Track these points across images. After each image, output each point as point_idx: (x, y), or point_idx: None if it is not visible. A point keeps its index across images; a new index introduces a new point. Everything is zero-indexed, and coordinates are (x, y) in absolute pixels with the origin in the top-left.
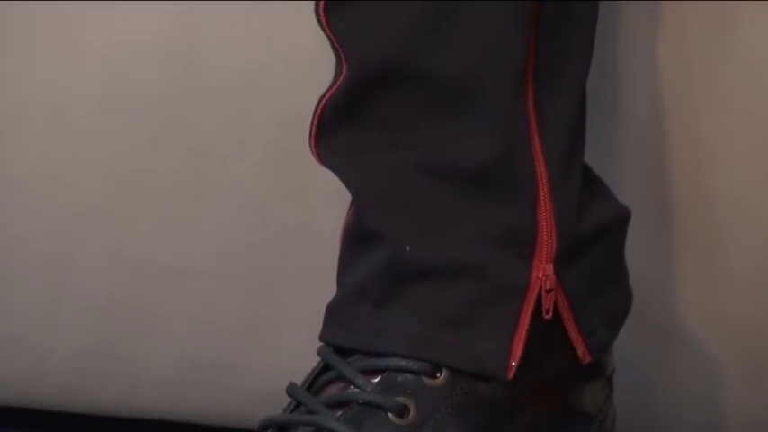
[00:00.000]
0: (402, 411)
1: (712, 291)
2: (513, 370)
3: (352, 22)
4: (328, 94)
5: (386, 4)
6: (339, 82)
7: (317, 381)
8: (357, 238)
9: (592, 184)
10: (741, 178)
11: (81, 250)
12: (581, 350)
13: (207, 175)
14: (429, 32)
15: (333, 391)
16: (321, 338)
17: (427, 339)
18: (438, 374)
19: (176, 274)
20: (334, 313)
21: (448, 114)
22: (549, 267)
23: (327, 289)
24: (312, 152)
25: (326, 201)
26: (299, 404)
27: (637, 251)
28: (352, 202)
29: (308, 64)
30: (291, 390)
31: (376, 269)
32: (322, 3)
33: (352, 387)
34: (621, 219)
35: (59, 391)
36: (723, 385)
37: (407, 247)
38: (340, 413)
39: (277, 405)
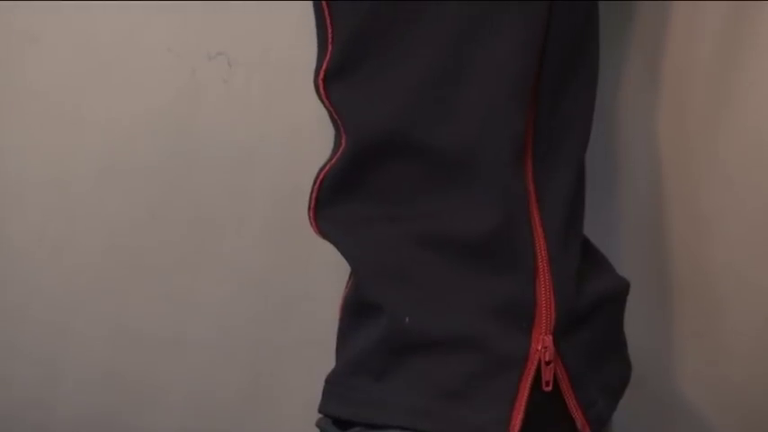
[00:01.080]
0: None
1: (712, 363)
2: None
3: (351, 94)
4: (327, 167)
5: (385, 76)
6: (338, 154)
7: None
8: (356, 310)
9: (591, 257)
10: (740, 251)
11: (80, 322)
12: (580, 422)
13: (206, 248)
14: (428, 105)
15: None
16: (320, 410)
17: (427, 411)
18: None
19: (175, 346)
20: (334, 385)
21: (447, 187)
22: (549, 339)
23: (327, 361)
24: (311, 224)
25: (325, 273)
26: None
27: (636, 323)
28: (351, 273)
29: (308, 136)
30: None
31: (375, 341)
32: (321, 75)
33: None
34: (620, 291)
35: None
36: None
37: (406, 319)
38: None
39: None
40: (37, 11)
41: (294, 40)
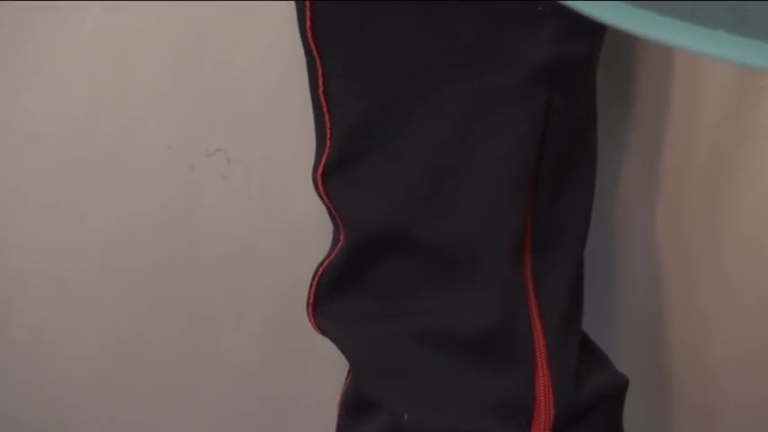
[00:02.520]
0: None
1: None
2: None
3: (350, 190)
4: (326, 263)
5: (384, 172)
6: (337, 250)
7: None
8: (355, 407)
9: (590, 352)
10: (739, 347)
11: (79, 418)
12: None
13: (205, 344)
14: (427, 201)
15: None
16: None
17: None
18: None
19: None
20: None
21: (446, 282)
22: None
23: None
24: (310, 321)
25: (325, 369)
26: None
27: (635, 419)
28: (350, 370)
29: (306, 232)
30: None
31: None
32: (320, 171)
33: None
34: (619, 387)
35: None
36: None
37: (405, 416)
38: None
39: None
40: (36, 107)
41: (293, 136)
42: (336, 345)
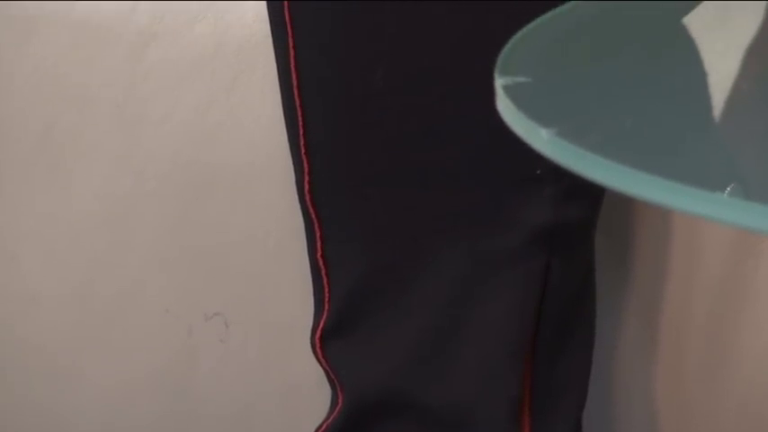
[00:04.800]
0: None
1: None
2: None
3: (348, 354)
4: (324, 426)
5: (382, 336)
6: (335, 413)
7: None
8: None
9: None
10: None
11: None
12: None
13: None
14: (425, 364)
15: None
16: None
17: None
18: None
19: None
20: None
21: None
22: None
23: None
24: None
25: None
26: None
27: None
28: None
29: (305, 396)
30: None
31: None
32: (318, 334)
33: None
34: None
35: None
36: None
37: None
38: None
39: None
40: (36, 271)
41: (291, 299)
42: None
